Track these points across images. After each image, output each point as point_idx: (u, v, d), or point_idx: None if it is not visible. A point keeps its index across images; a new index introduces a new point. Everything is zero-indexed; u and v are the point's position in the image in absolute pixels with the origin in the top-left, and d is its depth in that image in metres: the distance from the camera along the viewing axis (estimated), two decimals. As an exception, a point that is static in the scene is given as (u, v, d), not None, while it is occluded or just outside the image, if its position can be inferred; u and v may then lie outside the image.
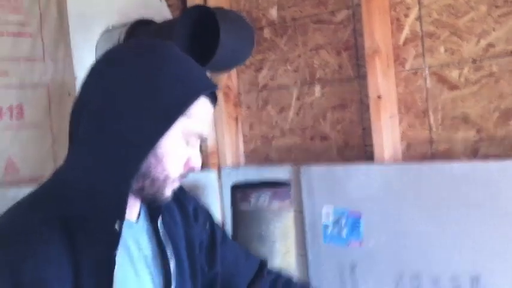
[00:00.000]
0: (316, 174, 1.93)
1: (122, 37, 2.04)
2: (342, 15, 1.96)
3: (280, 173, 2.04)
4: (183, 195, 1.22)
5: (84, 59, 1.97)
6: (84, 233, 0.96)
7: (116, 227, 0.96)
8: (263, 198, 1.74)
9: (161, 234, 1.12)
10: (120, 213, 0.97)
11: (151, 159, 0.99)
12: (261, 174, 2.08)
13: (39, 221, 0.95)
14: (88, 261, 0.95)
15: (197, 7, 1.93)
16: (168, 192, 1.04)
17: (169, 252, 1.12)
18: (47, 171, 1.07)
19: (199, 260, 1.20)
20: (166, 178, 1.02)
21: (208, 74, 2.05)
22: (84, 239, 0.95)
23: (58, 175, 1.05)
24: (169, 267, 1.11)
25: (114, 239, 0.96)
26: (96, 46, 2.06)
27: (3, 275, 0.89)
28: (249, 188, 1.76)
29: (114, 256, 0.96)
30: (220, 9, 1.81)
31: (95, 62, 1.05)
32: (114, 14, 2.10)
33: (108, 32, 2.10)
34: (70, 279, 0.93)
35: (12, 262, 0.90)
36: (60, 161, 1.05)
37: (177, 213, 1.19)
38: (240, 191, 1.78)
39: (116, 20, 2.10)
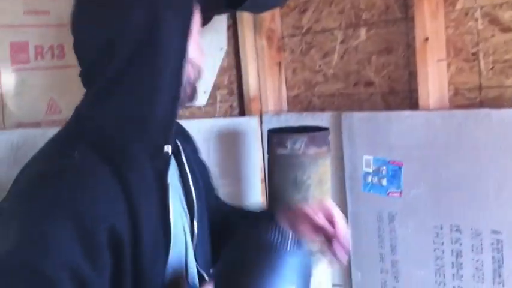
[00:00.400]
0: (357, 121, 1.86)
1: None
2: (390, -48, 1.84)
3: (322, 119, 1.98)
4: (185, 130, 1.27)
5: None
6: (129, 162, 0.95)
7: (166, 149, 0.98)
8: (299, 144, 1.69)
9: (184, 161, 1.13)
10: (168, 135, 0.99)
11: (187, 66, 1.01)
12: (302, 121, 2.03)
13: (82, 157, 0.93)
14: (140, 191, 0.94)
15: None
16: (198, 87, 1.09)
17: (190, 179, 1.13)
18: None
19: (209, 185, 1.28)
20: (198, 75, 1.07)
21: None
22: (131, 168, 0.94)
23: (86, 110, 1.01)
24: (191, 191, 1.12)
25: (166, 162, 0.98)
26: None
27: (63, 207, 0.87)
28: (286, 133, 1.71)
29: (167, 179, 0.98)
30: None
31: None
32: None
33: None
34: (126, 211, 0.92)
35: (69, 197, 0.88)
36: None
37: (186, 145, 1.20)
38: (276, 136, 1.74)
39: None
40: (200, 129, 2.01)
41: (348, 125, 1.88)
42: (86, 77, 1.03)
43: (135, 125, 0.97)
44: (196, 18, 1.04)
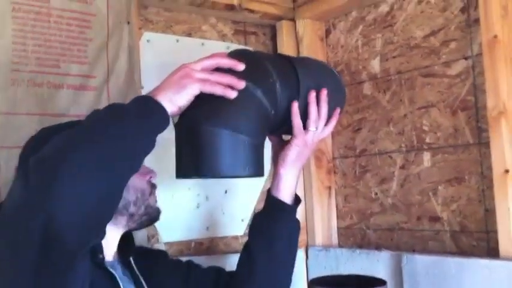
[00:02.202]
0: (421, 266, 1.52)
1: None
2: (458, 67, 1.57)
3: (378, 260, 1.65)
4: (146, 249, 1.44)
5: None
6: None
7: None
8: (348, 304, 1.36)
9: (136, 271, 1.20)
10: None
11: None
12: (355, 260, 1.71)
13: None
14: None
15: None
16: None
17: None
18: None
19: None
20: (141, 196, 1.16)
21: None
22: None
23: None
24: None
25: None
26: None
27: None
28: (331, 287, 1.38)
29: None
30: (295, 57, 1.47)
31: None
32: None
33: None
34: None
35: None
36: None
37: (143, 260, 1.25)
38: (317, 291, 1.42)
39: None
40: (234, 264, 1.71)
41: (409, 270, 1.54)
42: None
43: None
44: None
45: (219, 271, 1.39)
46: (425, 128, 1.65)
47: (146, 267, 1.22)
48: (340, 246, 1.90)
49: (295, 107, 1.21)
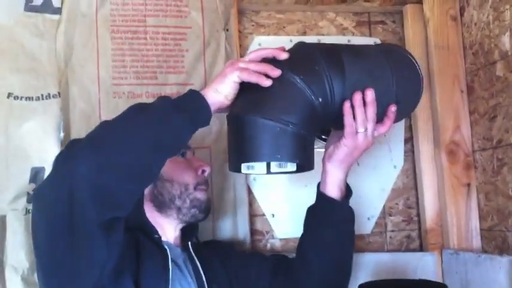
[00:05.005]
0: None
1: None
2: None
3: (500, 266, 1.43)
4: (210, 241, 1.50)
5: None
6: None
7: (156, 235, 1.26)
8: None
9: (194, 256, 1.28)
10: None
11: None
12: (479, 265, 1.53)
13: None
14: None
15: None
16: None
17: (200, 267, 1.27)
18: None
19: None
20: (185, 190, 1.28)
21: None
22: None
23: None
24: (201, 275, 1.26)
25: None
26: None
27: None
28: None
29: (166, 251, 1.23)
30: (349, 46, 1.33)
31: None
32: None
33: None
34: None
35: None
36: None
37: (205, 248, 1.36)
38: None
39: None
40: (360, 265, 1.65)
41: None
42: None
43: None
44: None
45: (279, 259, 1.44)
46: (557, 111, 1.36)
47: (207, 254, 1.32)
48: (483, 250, 1.67)
49: (347, 106, 1.16)
